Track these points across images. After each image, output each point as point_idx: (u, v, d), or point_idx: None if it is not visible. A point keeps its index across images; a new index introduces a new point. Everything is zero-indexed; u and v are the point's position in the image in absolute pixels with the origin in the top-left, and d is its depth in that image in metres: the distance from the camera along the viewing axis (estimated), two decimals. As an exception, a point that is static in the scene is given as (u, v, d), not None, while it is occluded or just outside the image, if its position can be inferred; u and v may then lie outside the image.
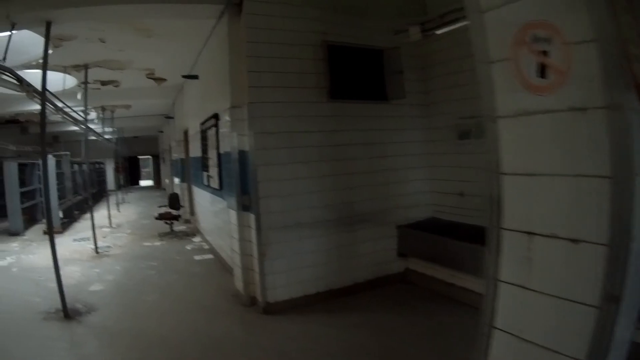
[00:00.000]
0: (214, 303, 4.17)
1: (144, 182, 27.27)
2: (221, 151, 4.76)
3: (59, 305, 4.09)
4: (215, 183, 5.33)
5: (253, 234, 3.77)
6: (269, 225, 3.71)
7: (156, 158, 23.97)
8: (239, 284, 4.13)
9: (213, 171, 5.37)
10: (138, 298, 4.50)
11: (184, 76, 6.60)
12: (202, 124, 5.84)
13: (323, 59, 3.93)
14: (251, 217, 3.78)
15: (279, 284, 3.78)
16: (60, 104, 6.72)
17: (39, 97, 4.81)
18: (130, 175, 24.03)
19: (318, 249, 3.92)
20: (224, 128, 4.36)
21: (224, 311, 3.92)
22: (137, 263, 6.12)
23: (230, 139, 3.89)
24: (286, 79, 3.79)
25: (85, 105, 7.34)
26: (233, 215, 4.00)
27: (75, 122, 8.06)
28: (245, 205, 3.84)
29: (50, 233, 4.12)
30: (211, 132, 5.26)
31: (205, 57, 5.72)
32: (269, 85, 3.73)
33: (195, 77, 6.35)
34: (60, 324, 3.92)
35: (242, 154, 3.82)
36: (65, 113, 7.22)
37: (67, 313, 4.05)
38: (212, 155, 5.28)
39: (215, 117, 4.84)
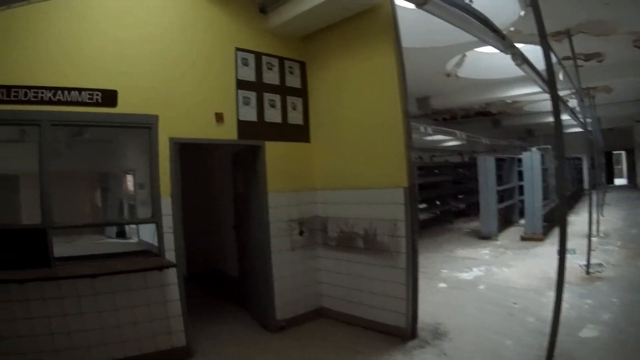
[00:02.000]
0: None
1: (617, 181, 25.19)
2: None
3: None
4: None
5: None
6: None
7: (630, 153, 22.00)
8: None
9: None
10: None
11: None
12: None
13: None
14: None
15: None
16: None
17: (533, 72, 3.95)
18: (605, 173, 22.09)
19: None
20: None
21: None
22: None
23: None
24: None
25: (578, 88, 5.80)
26: None
27: (568, 110, 6.76)
28: None
29: (563, 244, 2.60)
30: None
31: None
32: None
33: None
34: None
35: None
36: (559, 98, 5.97)
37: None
38: None
39: None
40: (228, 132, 3.86)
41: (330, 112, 4.26)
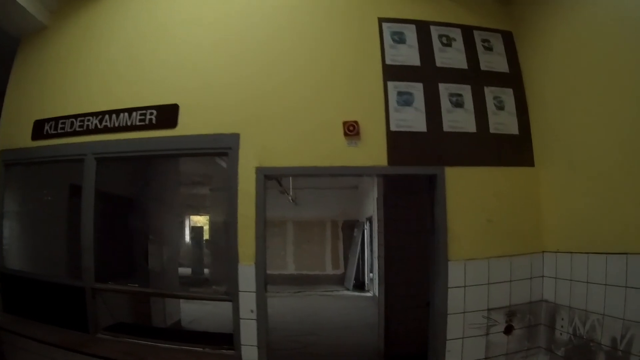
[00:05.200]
0: None
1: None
2: None
3: None
4: None
5: None
6: None
7: None
8: None
9: None
10: None
11: None
12: None
13: None
14: None
15: None
16: None
17: None
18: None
19: None
20: None
21: None
22: None
23: None
24: None
25: None
26: None
27: None
28: None
29: None
30: None
31: None
32: None
33: None
34: None
35: None
36: None
37: None
38: None
39: None
40: (370, 154, 2.19)
41: (571, 113, 2.14)
